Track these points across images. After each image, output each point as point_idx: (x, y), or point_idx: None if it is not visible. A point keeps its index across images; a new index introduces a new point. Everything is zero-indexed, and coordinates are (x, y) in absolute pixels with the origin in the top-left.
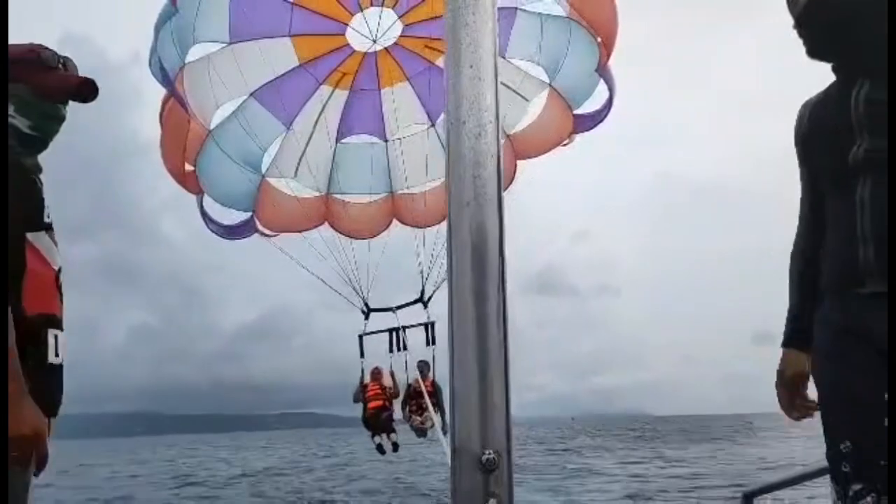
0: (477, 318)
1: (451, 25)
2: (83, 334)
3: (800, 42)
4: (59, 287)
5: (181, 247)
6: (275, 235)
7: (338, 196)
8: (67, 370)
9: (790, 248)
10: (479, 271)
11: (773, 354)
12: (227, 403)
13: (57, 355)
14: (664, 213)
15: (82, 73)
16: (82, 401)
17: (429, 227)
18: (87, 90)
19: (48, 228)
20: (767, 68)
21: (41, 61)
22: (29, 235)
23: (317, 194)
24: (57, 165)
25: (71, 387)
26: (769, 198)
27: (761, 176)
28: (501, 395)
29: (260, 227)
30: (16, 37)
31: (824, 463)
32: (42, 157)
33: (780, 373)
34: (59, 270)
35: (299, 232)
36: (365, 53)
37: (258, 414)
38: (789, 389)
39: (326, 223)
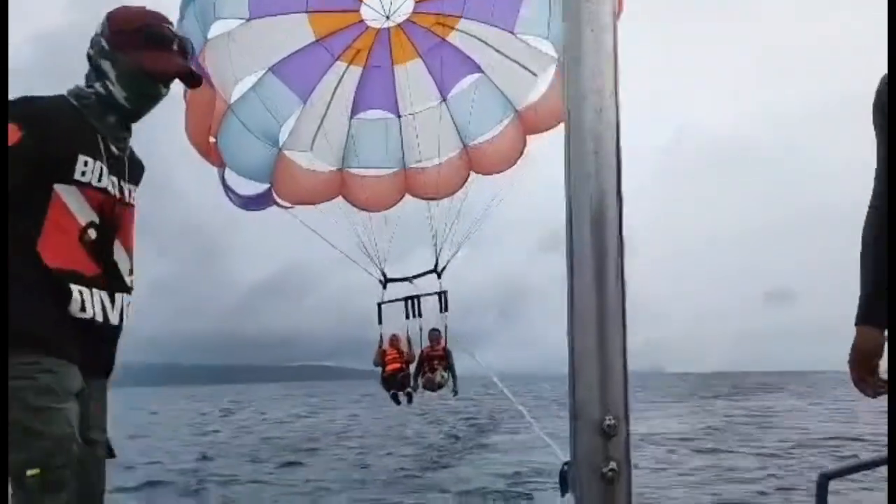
0: (597, 290)
1: None
2: None
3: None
4: (89, 244)
5: (195, 200)
6: (291, 207)
7: (352, 170)
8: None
9: (803, 208)
10: (598, 243)
11: (784, 313)
12: (243, 356)
13: (84, 310)
14: (681, 170)
15: (97, 21)
16: None
17: (440, 199)
18: (189, 80)
19: (83, 185)
20: (796, 26)
21: (154, 38)
22: (57, 187)
23: (332, 168)
24: None
25: None
26: (786, 157)
27: (780, 135)
28: (620, 363)
29: (277, 199)
30: None
31: None
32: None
33: (854, 349)
34: (86, 228)
35: (315, 204)
36: (378, 30)
37: (274, 366)
38: (862, 367)
39: (341, 196)
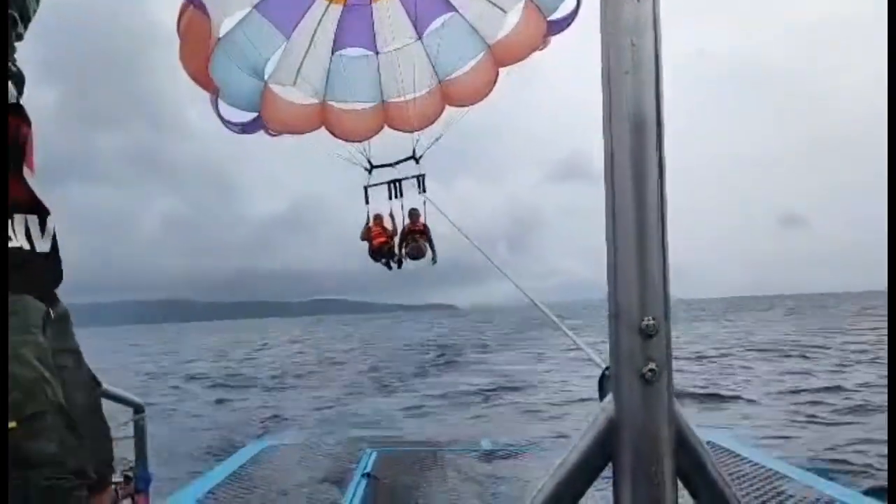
0: (635, 188)
1: None
2: (116, 224)
3: None
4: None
5: (209, 137)
6: (278, 135)
7: (333, 103)
8: (104, 259)
9: (822, 130)
10: (637, 140)
11: (798, 236)
12: (258, 291)
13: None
14: (697, 93)
15: None
16: (119, 289)
17: (417, 131)
18: None
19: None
20: None
21: None
22: None
23: (314, 101)
24: (79, 54)
25: (109, 275)
26: (804, 79)
27: (799, 54)
28: (660, 264)
29: (265, 127)
30: None
31: None
32: (66, 46)
33: None
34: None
35: (299, 134)
36: None
37: (288, 301)
38: None
39: (323, 127)
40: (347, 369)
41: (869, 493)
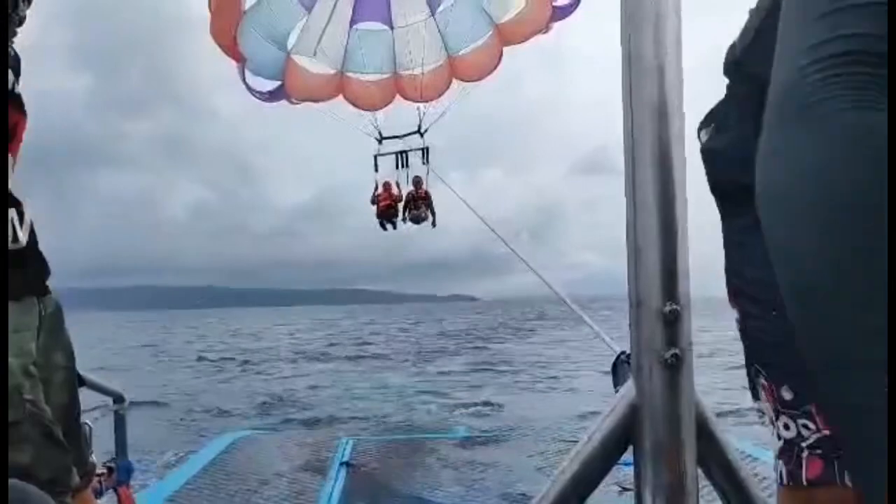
0: (658, 177)
1: None
2: (144, 209)
3: None
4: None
5: (235, 123)
6: (299, 103)
7: (350, 74)
8: (131, 242)
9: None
10: (661, 130)
11: None
12: (283, 279)
13: None
14: (715, 90)
15: None
16: (146, 272)
17: (427, 101)
18: None
19: None
20: None
21: None
22: None
23: (332, 71)
24: (107, 40)
25: (135, 259)
26: None
27: None
28: (684, 248)
29: (288, 95)
30: None
31: None
32: (95, 30)
33: None
34: None
35: (318, 101)
36: None
37: (313, 289)
38: None
39: (341, 95)
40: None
41: None
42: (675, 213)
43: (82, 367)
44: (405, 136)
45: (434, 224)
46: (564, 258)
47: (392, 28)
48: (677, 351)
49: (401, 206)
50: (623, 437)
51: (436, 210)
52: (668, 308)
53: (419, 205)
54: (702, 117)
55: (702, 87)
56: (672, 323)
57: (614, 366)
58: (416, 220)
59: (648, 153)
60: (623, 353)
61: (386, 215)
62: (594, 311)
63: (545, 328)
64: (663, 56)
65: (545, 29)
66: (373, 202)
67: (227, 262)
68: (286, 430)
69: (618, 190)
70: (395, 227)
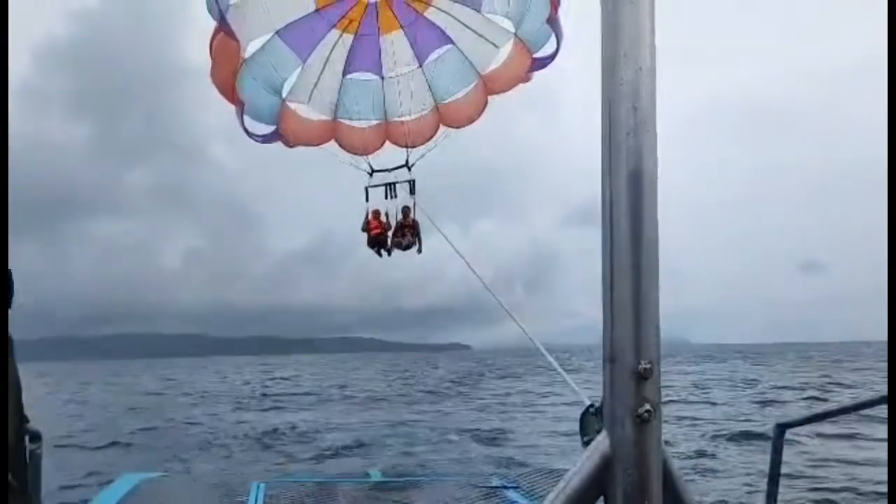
0: (632, 239)
1: None
2: (139, 256)
3: None
4: None
5: (233, 170)
6: (294, 147)
7: (343, 120)
8: (124, 290)
9: (843, 169)
10: (635, 196)
11: (820, 283)
12: (280, 327)
13: None
14: (711, 137)
15: None
16: (137, 320)
17: (415, 147)
18: None
19: None
20: None
21: None
22: None
23: (326, 118)
24: (110, 86)
25: (127, 307)
26: (818, 117)
27: (811, 95)
28: (654, 309)
29: (283, 139)
30: None
31: (856, 400)
32: (95, 78)
33: None
34: None
35: (312, 146)
36: (368, 4)
37: (311, 338)
38: None
39: (333, 140)
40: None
41: None
42: (648, 275)
43: None
44: (393, 169)
45: (420, 250)
46: (563, 306)
47: (382, 78)
48: (649, 406)
49: (390, 233)
50: (595, 487)
51: (423, 242)
52: (642, 365)
53: (406, 233)
54: (704, 160)
55: (701, 132)
56: (645, 379)
57: (582, 417)
58: (403, 247)
59: (624, 217)
60: (591, 405)
61: (377, 242)
62: (595, 359)
63: (531, 375)
64: (640, 125)
65: (526, 79)
66: (363, 230)
67: (220, 309)
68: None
69: None
70: (389, 254)
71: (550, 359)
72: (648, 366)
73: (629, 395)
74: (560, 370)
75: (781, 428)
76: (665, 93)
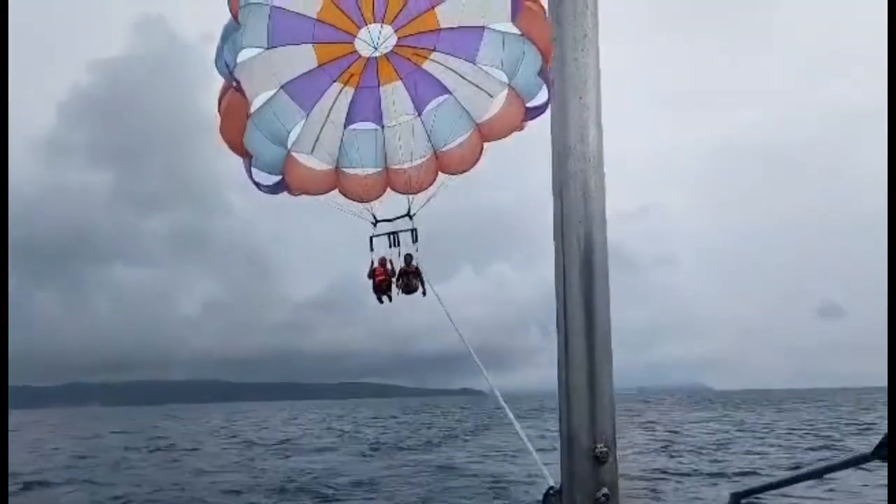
0: (586, 322)
1: (559, 60)
2: (156, 304)
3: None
4: None
5: (249, 218)
6: (298, 195)
7: (345, 169)
8: (141, 337)
9: (859, 214)
10: (587, 281)
11: (838, 328)
12: (293, 373)
13: None
14: (725, 181)
15: (156, 50)
16: (152, 366)
17: (414, 194)
18: None
19: None
20: (835, 28)
21: None
22: None
23: (328, 167)
24: (126, 139)
25: (144, 354)
26: (837, 161)
27: (829, 137)
28: (610, 392)
29: (288, 189)
30: (92, 17)
31: (812, 466)
32: (119, 131)
33: None
34: None
35: (316, 195)
36: (368, 58)
37: (322, 383)
38: None
39: (336, 189)
40: None
41: None
42: (602, 362)
43: None
44: (395, 219)
45: (424, 293)
46: None
47: (382, 126)
48: (606, 490)
49: (394, 280)
50: None
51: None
52: (599, 449)
53: (409, 279)
54: (721, 201)
55: (724, 172)
56: (602, 463)
57: (543, 500)
58: (408, 292)
59: (577, 306)
60: (551, 488)
61: (381, 289)
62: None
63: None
64: (591, 214)
65: (521, 127)
66: (369, 276)
67: (235, 356)
68: None
69: (625, 286)
70: (390, 300)
71: (522, 434)
72: (605, 449)
73: (587, 479)
74: (529, 445)
75: (736, 498)
76: (683, 136)
